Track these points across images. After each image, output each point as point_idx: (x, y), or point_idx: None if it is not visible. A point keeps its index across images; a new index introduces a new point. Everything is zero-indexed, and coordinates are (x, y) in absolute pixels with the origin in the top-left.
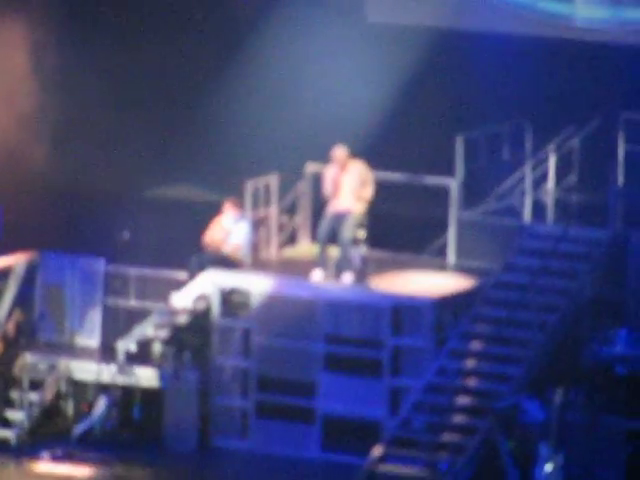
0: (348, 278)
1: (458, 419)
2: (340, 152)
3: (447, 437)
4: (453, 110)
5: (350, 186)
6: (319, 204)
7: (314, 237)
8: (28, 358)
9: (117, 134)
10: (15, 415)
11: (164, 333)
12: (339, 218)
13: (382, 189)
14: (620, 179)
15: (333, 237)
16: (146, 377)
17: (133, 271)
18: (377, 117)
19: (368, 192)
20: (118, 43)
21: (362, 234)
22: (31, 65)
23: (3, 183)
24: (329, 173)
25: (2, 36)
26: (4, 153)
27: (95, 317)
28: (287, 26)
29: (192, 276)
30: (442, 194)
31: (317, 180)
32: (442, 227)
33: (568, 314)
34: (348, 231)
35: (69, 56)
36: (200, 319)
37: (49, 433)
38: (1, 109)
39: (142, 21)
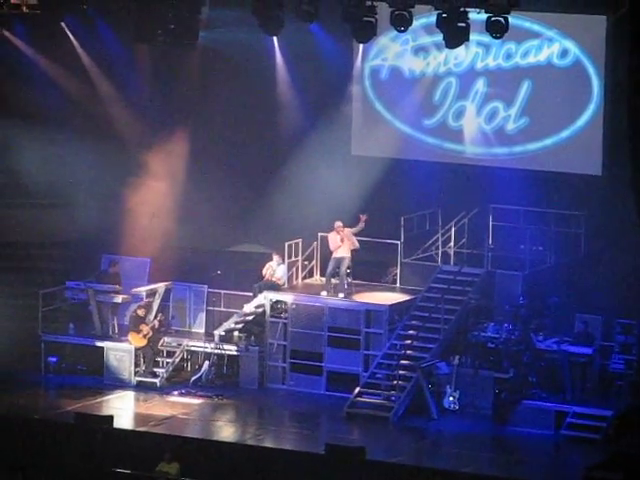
0: (341, 295)
1: (401, 372)
2: (338, 224)
3: (395, 383)
4: (398, 204)
5: (344, 243)
6: (325, 255)
7: (323, 273)
8: (166, 339)
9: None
10: (159, 370)
11: (240, 325)
12: (338, 262)
13: (362, 245)
14: (490, 240)
15: (335, 273)
16: (230, 349)
17: (224, 292)
18: (360, 209)
19: (354, 247)
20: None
21: (349, 271)
22: None
23: None
24: (331, 236)
25: None
26: None
27: (202, 317)
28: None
29: (255, 295)
30: (394, 248)
31: (324, 241)
32: (395, 266)
33: (461, 314)
34: (343, 269)
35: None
36: (259, 317)
37: (177, 380)
38: None
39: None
